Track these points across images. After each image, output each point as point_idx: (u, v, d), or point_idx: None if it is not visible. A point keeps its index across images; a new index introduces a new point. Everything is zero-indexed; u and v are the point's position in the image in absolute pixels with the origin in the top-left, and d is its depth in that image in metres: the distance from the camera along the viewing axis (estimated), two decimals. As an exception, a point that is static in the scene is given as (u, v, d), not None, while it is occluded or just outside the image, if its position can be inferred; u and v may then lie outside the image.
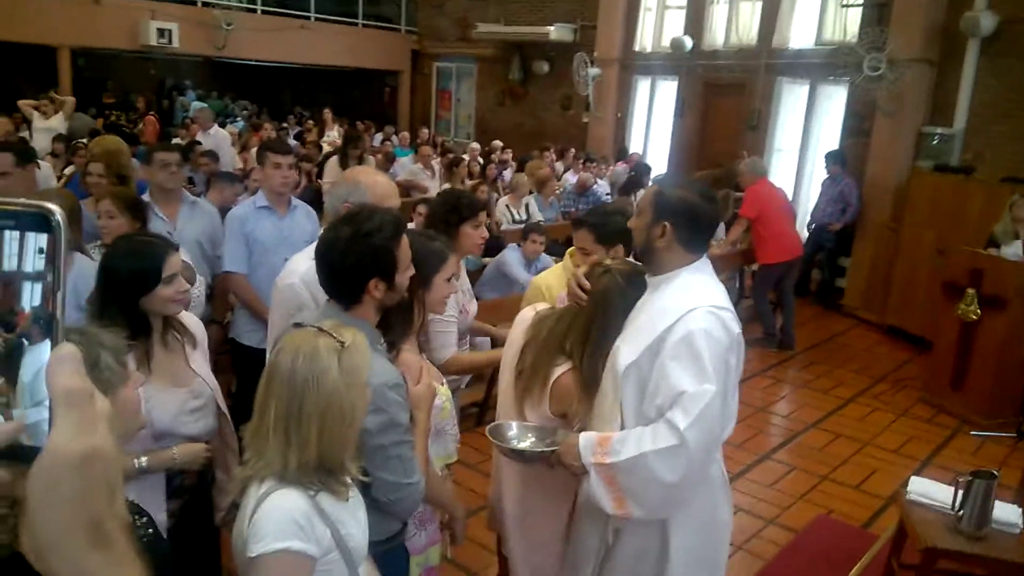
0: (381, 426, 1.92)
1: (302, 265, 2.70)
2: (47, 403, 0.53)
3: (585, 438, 2.16)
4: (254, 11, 13.89)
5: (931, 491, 2.85)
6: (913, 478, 3.00)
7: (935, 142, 8.16)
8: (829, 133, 9.72)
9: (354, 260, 1.98)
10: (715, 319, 2.08)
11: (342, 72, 15.70)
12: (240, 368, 3.99)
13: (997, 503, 2.81)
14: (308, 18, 14.05)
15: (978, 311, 5.52)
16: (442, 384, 2.48)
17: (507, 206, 7.71)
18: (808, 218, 9.06)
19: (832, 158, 8.68)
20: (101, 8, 11.62)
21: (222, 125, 10.97)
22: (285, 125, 13.85)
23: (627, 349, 2.16)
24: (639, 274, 2.33)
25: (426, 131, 12.89)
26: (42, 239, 0.54)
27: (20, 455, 0.53)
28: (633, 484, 2.08)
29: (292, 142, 10.61)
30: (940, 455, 5.14)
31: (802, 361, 7.01)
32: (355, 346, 1.69)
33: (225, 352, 4.41)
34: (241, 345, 3.89)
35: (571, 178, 9.58)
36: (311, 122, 13.37)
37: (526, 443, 2.38)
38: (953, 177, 7.46)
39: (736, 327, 2.13)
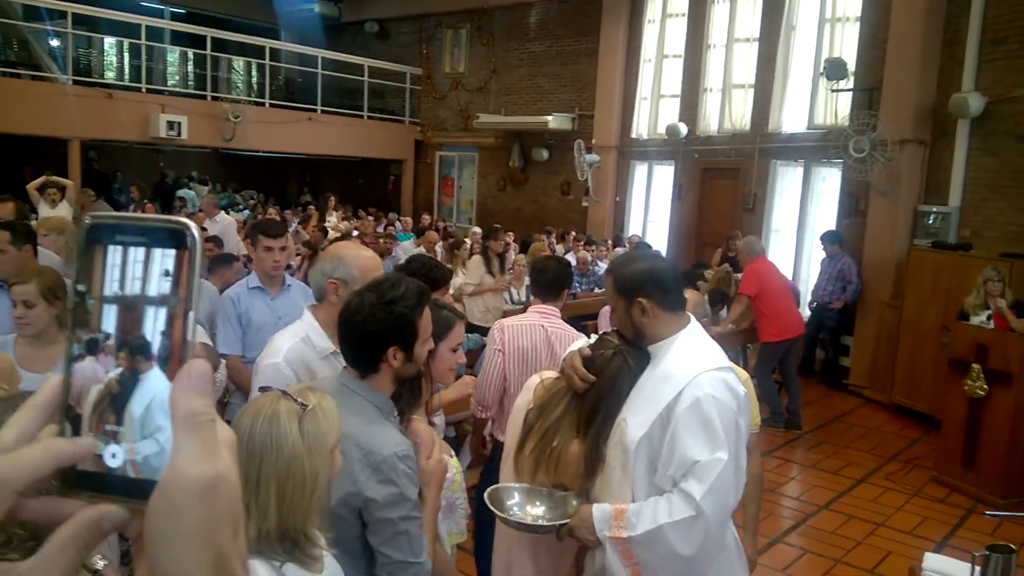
0: (389, 499, 1.85)
1: (285, 343, 2.65)
2: (158, 436, 0.49)
3: (599, 510, 2.10)
4: (262, 104, 14.30)
5: (947, 568, 2.72)
6: (928, 554, 2.87)
7: (931, 220, 8.23)
8: (825, 213, 9.82)
9: (375, 327, 1.97)
10: (721, 383, 2.06)
11: (347, 161, 16.03)
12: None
13: (1016, 582, 2.68)
14: (315, 110, 14.43)
15: (985, 387, 5.44)
16: (452, 456, 2.41)
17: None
18: (809, 297, 9.06)
19: (828, 239, 8.77)
20: (113, 102, 11.96)
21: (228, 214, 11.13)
22: (289, 212, 14.04)
23: (635, 422, 2.12)
24: (644, 350, 2.30)
25: (427, 217, 13.08)
26: (168, 260, 0.50)
27: (134, 491, 0.48)
28: (650, 557, 2.03)
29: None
30: (956, 536, 4.96)
31: (810, 441, 6.87)
32: (320, 410, 1.63)
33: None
34: (236, 427, 3.82)
35: (571, 260, 9.65)
36: (312, 207, 13.56)
37: (534, 511, 2.29)
38: (952, 254, 7.50)
39: (741, 388, 2.12)
